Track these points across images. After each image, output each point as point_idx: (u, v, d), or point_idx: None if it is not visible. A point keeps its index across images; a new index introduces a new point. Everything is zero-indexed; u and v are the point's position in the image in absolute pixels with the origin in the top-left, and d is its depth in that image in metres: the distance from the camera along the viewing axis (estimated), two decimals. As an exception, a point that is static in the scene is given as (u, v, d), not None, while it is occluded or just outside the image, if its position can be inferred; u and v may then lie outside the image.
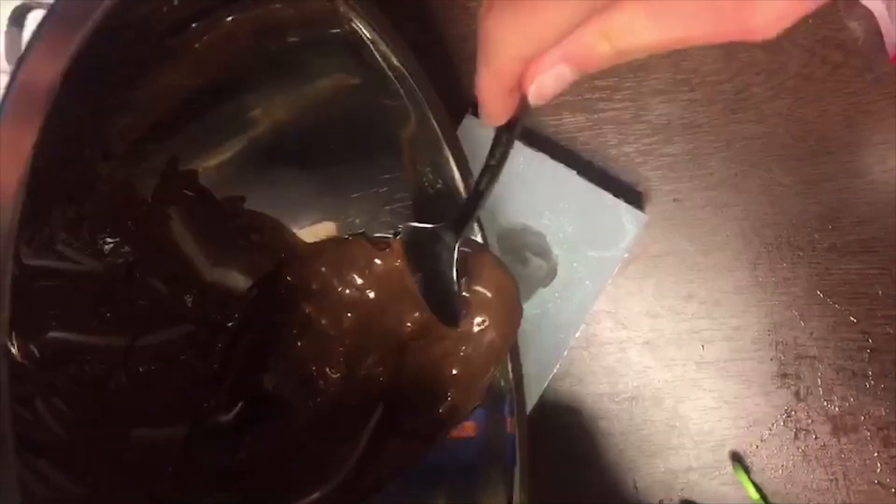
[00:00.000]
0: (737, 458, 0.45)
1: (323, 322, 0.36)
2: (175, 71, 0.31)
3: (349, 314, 0.36)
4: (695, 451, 0.45)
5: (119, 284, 0.34)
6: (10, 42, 0.37)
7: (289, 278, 0.37)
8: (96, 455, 0.31)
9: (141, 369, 0.34)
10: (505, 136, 0.26)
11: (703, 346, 0.45)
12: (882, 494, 0.45)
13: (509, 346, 0.35)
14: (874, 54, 0.44)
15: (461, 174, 0.37)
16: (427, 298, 0.32)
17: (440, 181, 0.37)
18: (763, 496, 0.45)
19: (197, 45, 0.31)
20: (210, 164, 0.36)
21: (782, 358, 0.45)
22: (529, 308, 0.42)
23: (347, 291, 0.36)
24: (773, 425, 0.45)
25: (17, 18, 0.37)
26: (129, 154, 0.32)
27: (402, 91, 0.34)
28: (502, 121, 0.24)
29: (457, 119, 0.42)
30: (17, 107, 0.18)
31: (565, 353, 0.43)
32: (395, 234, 0.35)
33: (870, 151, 0.45)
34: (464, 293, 0.32)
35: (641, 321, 0.45)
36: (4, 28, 0.37)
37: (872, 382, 0.45)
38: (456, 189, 0.37)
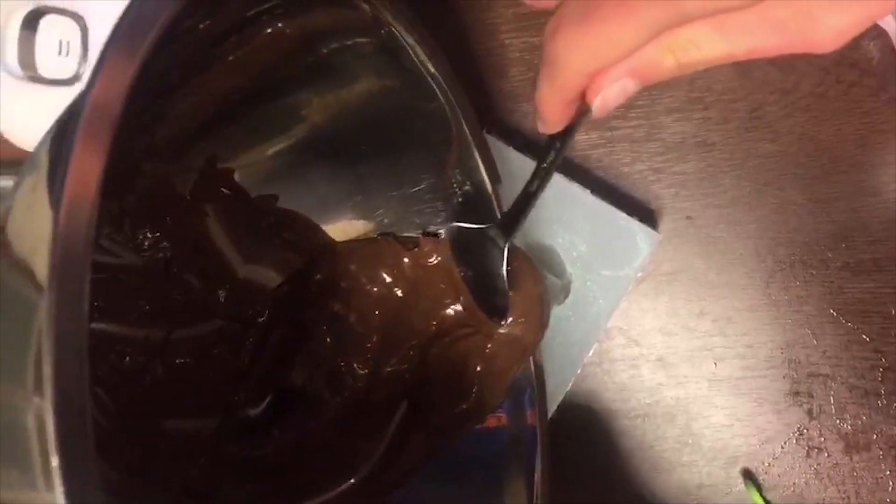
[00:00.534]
0: (748, 476, 0.45)
1: (351, 319, 0.37)
2: (217, 77, 0.32)
3: (377, 311, 0.37)
4: (707, 468, 0.45)
5: (157, 279, 0.35)
6: (24, 45, 0.38)
7: (319, 276, 0.38)
8: (130, 444, 0.32)
9: (177, 362, 0.35)
10: (559, 142, 0.27)
11: (715, 363, 0.45)
12: (894, 512, 0.45)
13: (536, 347, 0.36)
14: (889, 73, 0.44)
15: (490, 178, 0.37)
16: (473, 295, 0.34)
17: (468, 184, 0.37)
18: (775, 513, 0.45)
19: (239, 53, 0.31)
20: (246, 162, 0.36)
21: (795, 376, 0.45)
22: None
23: (376, 289, 0.37)
24: (785, 443, 0.45)
25: (30, 22, 0.37)
26: (171, 151, 0.33)
27: (438, 93, 0.35)
28: (559, 129, 0.25)
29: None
30: (87, 131, 0.19)
31: (579, 370, 0.43)
32: (425, 234, 0.36)
33: (883, 171, 0.45)
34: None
35: (654, 338, 0.45)
36: (18, 32, 0.37)
37: (885, 401, 0.45)
38: (485, 192, 0.37)
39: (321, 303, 0.37)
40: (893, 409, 0.45)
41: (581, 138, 0.45)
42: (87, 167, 0.19)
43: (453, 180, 0.38)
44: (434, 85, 0.34)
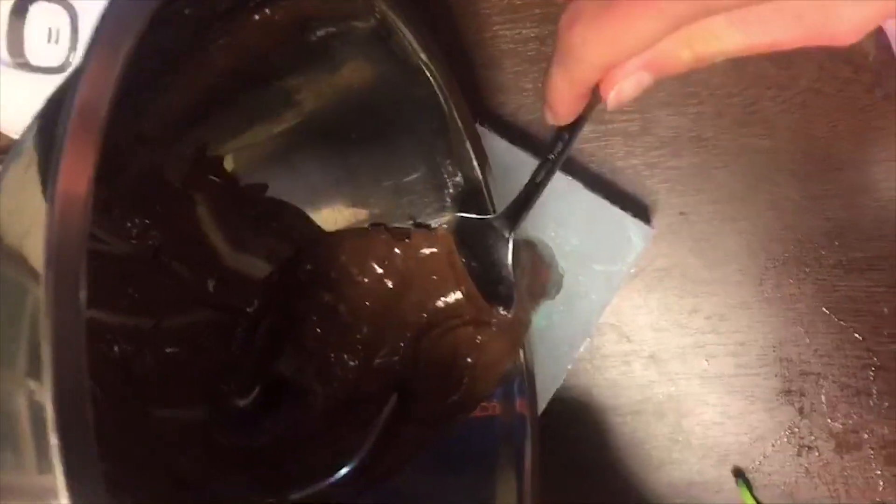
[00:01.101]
0: (739, 474, 0.45)
1: (341, 310, 0.37)
2: (206, 62, 0.32)
3: (367, 303, 0.37)
4: (697, 466, 0.45)
5: (146, 267, 0.34)
6: (13, 33, 0.37)
7: (309, 266, 0.38)
8: (120, 433, 0.31)
9: (167, 351, 0.35)
10: (567, 134, 0.27)
11: (707, 360, 0.45)
12: (884, 512, 0.45)
13: (524, 337, 0.36)
14: (884, 70, 0.44)
15: (481, 169, 0.37)
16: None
17: (459, 175, 0.37)
18: (765, 512, 0.45)
19: (228, 39, 0.31)
20: (236, 150, 0.36)
21: (786, 374, 0.45)
22: (535, 320, 0.42)
23: (367, 280, 0.37)
24: (776, 441, 0.45)
25: (20, 10, 0.37)
26: (161, 138, 0.33)
27: (431, 81, 0.34)
28: (569, 121, 0.25)
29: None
30: (77, 127, 0.19)
31: (570, 366, 0.43)
32: (416, 224, 0.36)
33: (878, 168, 0.44)
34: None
35: (646, 335, 0.45)
36: (7, 19, 0.37)
37: (876, 400, 0.45)
38: (476, 183, 0.37)
39: (311, 293, 0.37)
40: (885, 409, 0.44)
41: (575, 132, 0.45)
42: (79, 160, 0.19)
43: (444, 171, 0.37)
44: (427, 72, 0.34)
